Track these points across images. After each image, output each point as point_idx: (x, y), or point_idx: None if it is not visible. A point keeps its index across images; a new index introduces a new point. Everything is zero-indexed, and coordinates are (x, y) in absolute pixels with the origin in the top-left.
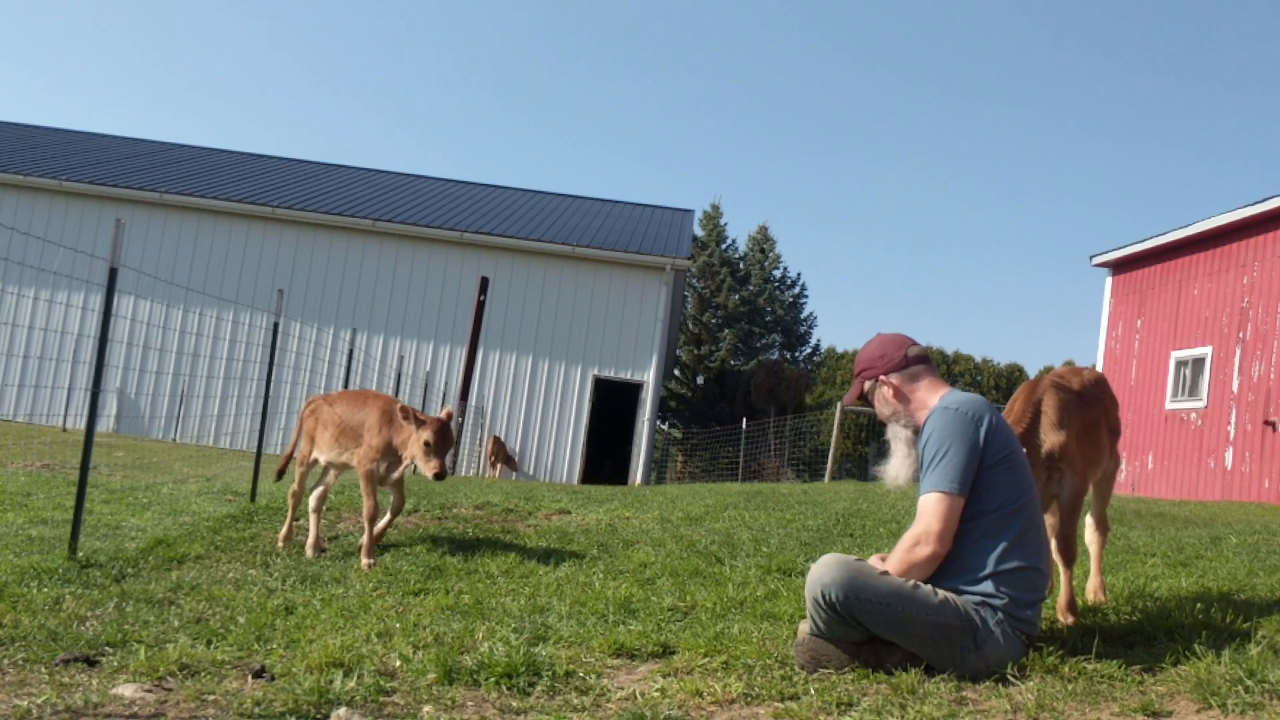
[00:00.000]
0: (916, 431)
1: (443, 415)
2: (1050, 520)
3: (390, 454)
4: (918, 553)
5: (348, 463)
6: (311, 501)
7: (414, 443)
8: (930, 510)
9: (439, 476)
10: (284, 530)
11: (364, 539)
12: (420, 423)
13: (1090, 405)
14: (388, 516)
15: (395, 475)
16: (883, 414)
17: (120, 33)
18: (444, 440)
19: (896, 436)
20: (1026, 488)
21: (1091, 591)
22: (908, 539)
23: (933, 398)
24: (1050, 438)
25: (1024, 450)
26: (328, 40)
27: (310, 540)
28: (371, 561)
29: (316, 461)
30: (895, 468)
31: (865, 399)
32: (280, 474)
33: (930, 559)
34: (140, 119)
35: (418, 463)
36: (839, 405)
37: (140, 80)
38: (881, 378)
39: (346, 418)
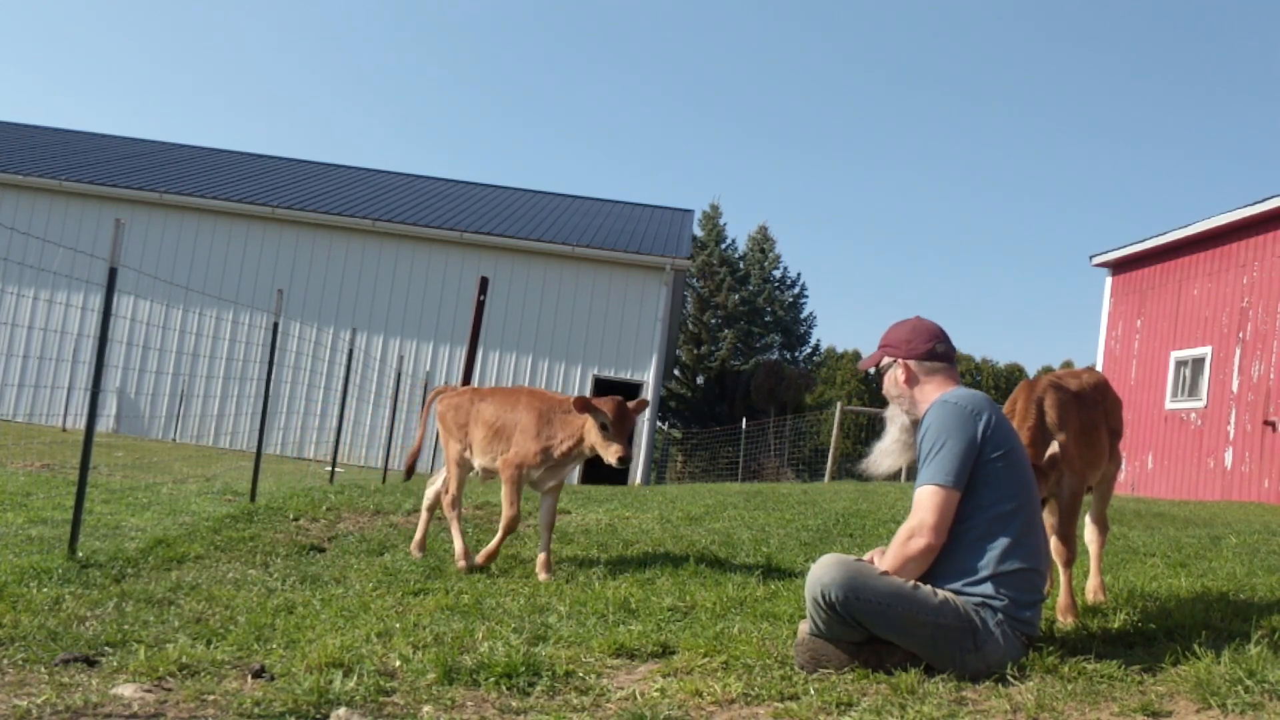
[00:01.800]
0: (914, 423)
1: (616, 397)
2: (1049, 520)
3: (547, 459)
4: (912, 545)
5: (499, 469)
6: (427, 496)
7: (590, 429)
8: (925, 503)
9: (623, 461)
10: (458, 546)
11: (492, 545)
12: (594, 409)
13: (1089, 406)
14: (546, 532)
15: (553, 482)
16: (889, 393)
17: (120, 33)
18: (623, 420)
19: (893, 419)
20: (1026, 488)
21: (1091, 591)
22: (903, 532)
23: (937, 395)
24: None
25: (1026, 450)
26: (328, 40)
27: (417, 539)
28: (484, 563)
29: (469, 464)
30: (882, 450)
31: (879, 371)
32: (410, 472)
33: (925, 551)
34: (140, 119)
35: (599, 449)
36: (839, 405)
37: (140, 80)
38: (900, 359)
39: (501, 417)
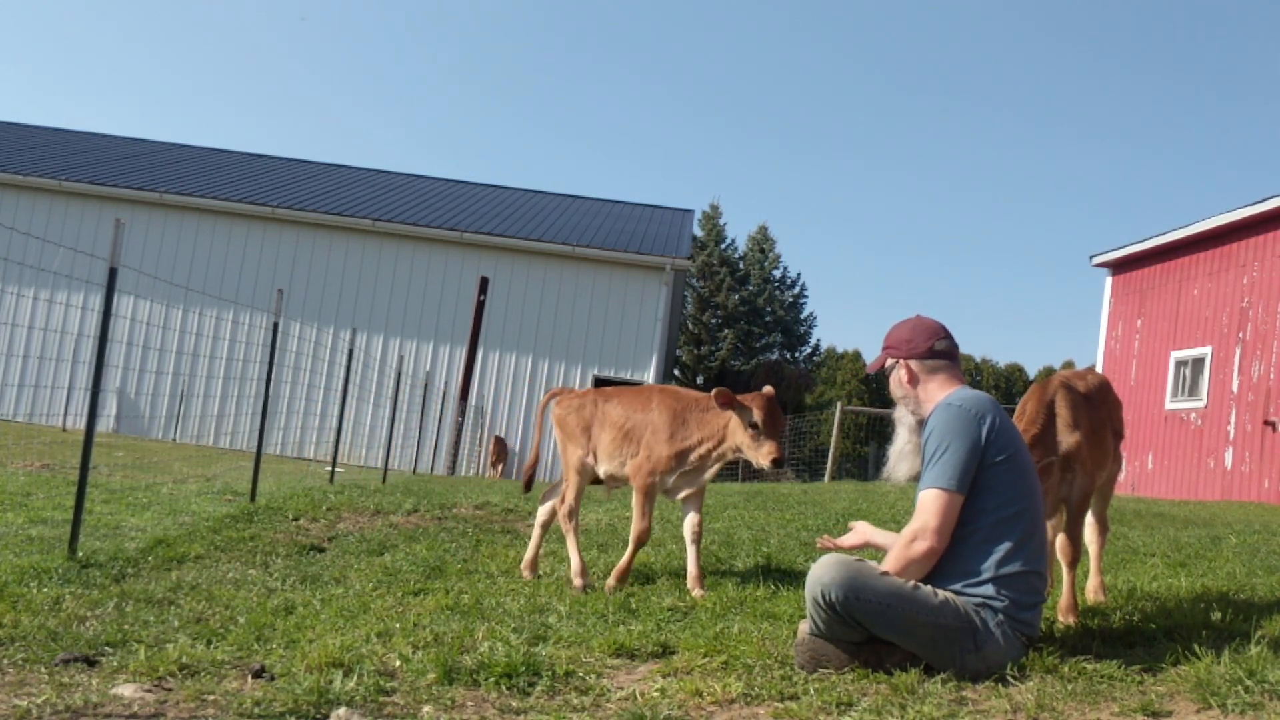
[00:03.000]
0: (920, 422)
1: (765, 391)
2: (1054, 520)
3: (682, 463)
4: (915, 548)
5: (629, 475)
6: (541, 512)
7: (734, 429)
8: (928, 506)
9: (777, 463)
10: (574, 563)
11: (622, 560)
12: (740, 405)
13: (1096, 407)
14: (692, 546)
15: (691, 489)
16: (894, 394)
17: (120, 32)
18: (774, 417)
19: (901, 420)
20: (1029, 491)
21: (1091, 591)
22: (905, 535)
23: (942, 394)
24: (1064, 438)
25: (1032, 453)
26: (328, 40)
27: (527, 558)
28: (616, 585)
29: (592, 471)
30: (894, 456)
31: (884, 373)
32: (529, 485)
33: (928, 554)
34: (140, 119)
35: (746, 451)
36: (839, 405)
37: (140, 80)
38: (901, 360)
39: (630, 418)
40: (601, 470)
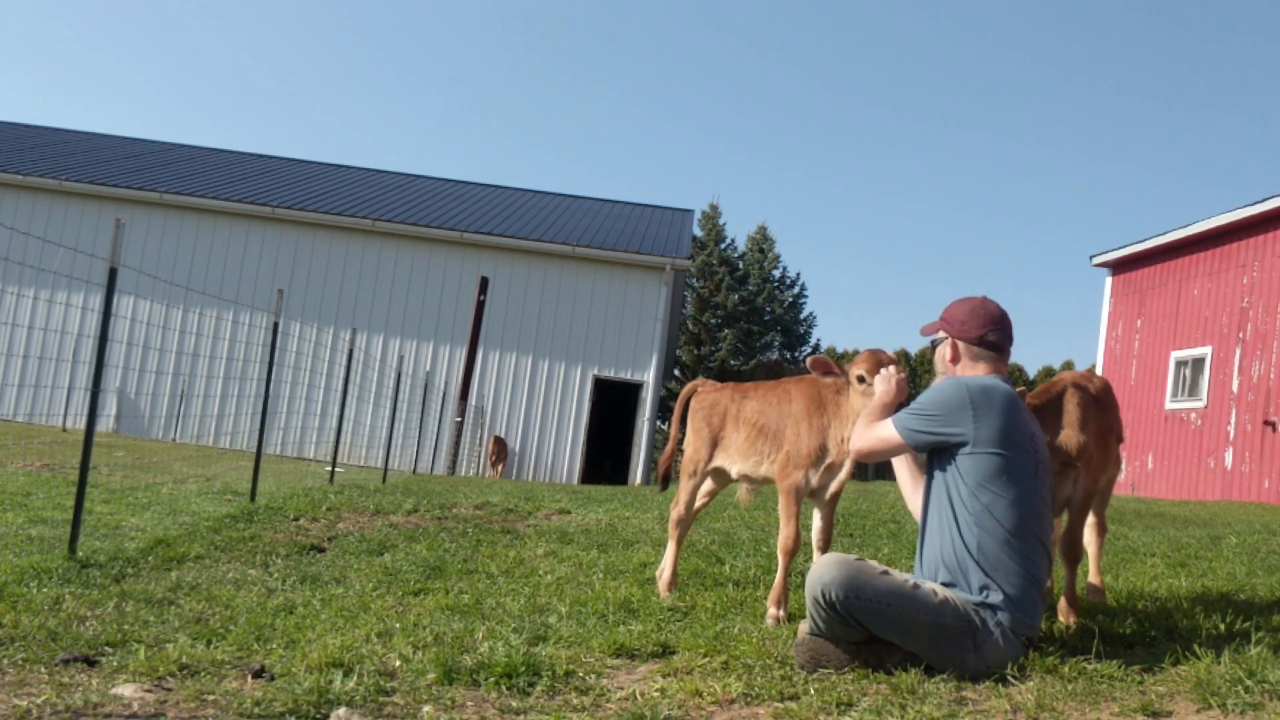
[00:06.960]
0: None
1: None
2: (1056, 520)
3: (827, 453)
4: (856, 439)
5: (768, 476)
6: (674, 517)
7: (851, 396)
8: (884, 435)
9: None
10: (667, 572)
11: (777, 580)
12: (842, 371)
13: (1105, 410)
14: (818, 555)
15: (834, 487)
16: (936, 366)
17: (120, 33)
18: (878, 365)
19: None
20: (1034, 497)
21: (1090, 592)
22: (864, 418)
23: None
24: (1072, 437)
25: (1044, 458)
26: (328, 41)
27: (665, 577)
28: (779, 614)
29: (716, 471)
30: None
31: (934, 343)
32: (665, 481)
33: (853, 454)
34: (140, 119)
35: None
36: None
37: (140, 80)
38: (952, 337)
39: (765, 413)
40: (734, 471)
